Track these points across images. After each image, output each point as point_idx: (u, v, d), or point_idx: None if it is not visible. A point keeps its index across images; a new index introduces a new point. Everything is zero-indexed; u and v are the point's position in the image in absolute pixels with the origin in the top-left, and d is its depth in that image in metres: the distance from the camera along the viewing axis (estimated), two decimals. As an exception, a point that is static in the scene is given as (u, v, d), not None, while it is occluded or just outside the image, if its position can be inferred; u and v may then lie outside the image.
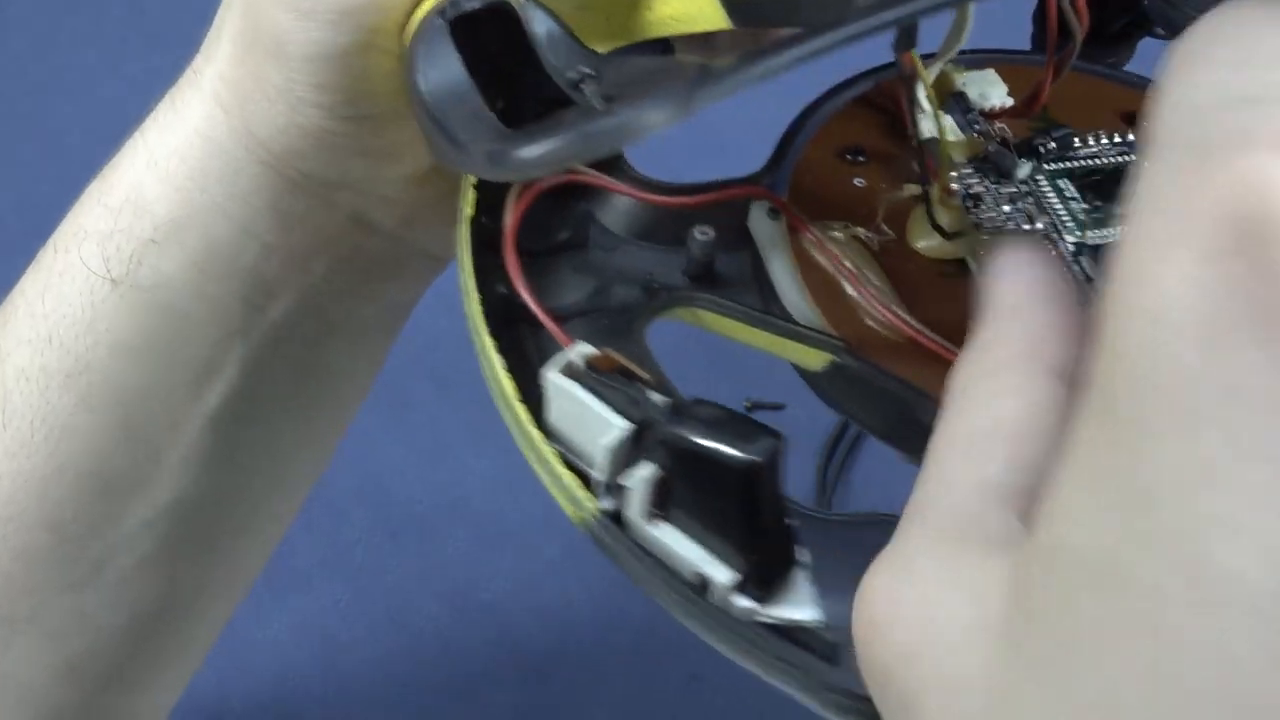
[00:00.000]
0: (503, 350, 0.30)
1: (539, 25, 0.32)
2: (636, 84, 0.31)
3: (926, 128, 0.36)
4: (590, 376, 0.28)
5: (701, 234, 0.34)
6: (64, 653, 0.40)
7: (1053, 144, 0.37)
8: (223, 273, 0.37)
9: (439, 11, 0.31)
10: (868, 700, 0.23)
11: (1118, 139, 0.37)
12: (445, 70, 0.30)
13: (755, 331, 0.33)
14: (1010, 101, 0.38)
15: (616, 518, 0.28)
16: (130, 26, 0.96)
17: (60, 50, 0.96)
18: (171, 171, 0.36)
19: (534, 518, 0.72)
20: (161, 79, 0.43)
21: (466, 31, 0.31)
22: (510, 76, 0.32)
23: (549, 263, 0.34)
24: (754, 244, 0.35)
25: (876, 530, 0.25)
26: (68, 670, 0.40)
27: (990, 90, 0.38)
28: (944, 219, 0.35)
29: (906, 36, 0.32)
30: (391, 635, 0.69)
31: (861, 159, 0.37)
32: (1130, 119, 0.38)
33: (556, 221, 0.35)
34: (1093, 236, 0.34)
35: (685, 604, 0.28)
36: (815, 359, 0.33)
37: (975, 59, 0.40)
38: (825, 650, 0.27)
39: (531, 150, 0.25)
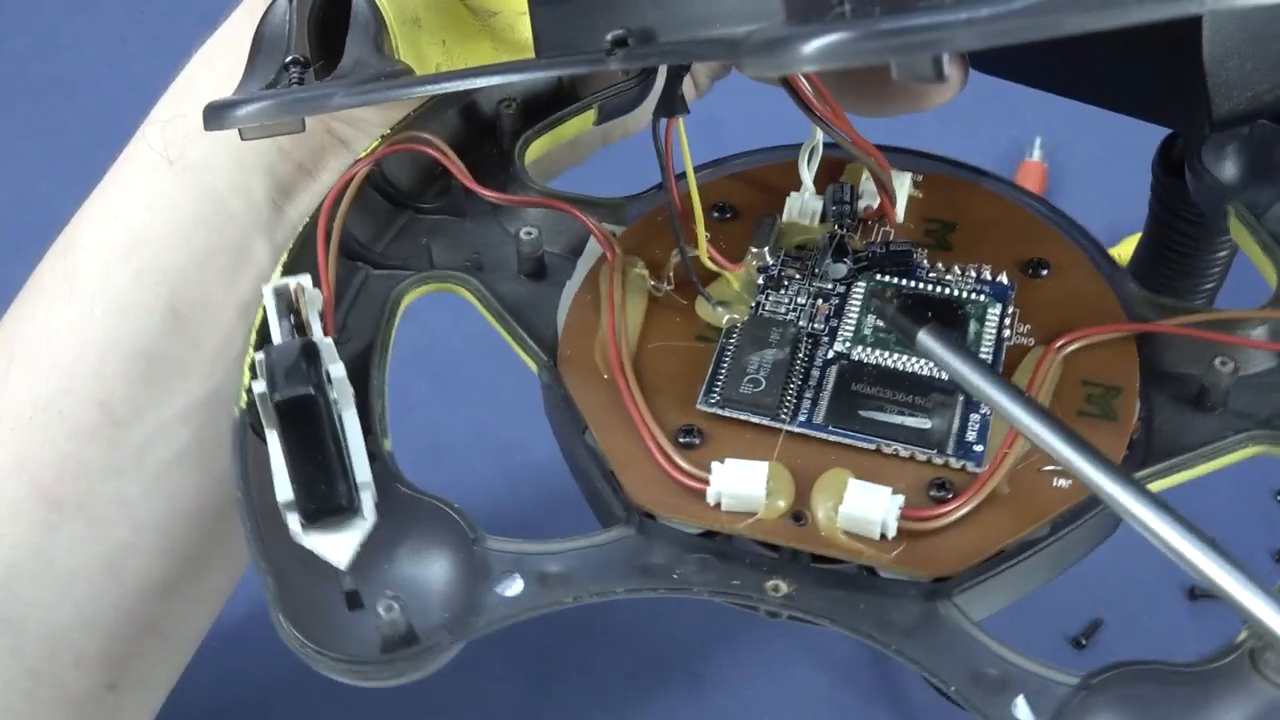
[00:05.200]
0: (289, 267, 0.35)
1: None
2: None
3: (790, 203, 0.39)
4: (282, 298, 0.33)
5: (526, 233, 0.37)
6: (106, 544, 0.43)
7: (885, 256, 0.37)
8: (251, 165, 0.42)
9: None
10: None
11: (970, 274, 0.37)
12: None
13: (496, 324, 0.37)
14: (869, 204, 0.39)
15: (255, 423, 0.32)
16: (130, 26, 0.95)
17: (60, 50, 0.96)
18: (219, 69, 0.41)
19: (534, 518, 0.72)
20: (161, 79, 0.43)
21: None
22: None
23: (417, 216, 0.39)
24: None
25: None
26: (108, 564, 0.43)
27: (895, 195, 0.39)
28: (720, 287, 0.37)
29: (666, 104, 0.33)
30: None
31: (729, 216, 0.39)
32: (1028, 265, 0.37)
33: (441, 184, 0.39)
34: (860, 353, 0.35)
35: (247, 503, 0.32)
36: (532, 365, 0.36)
37: (915, 163, 0.41)
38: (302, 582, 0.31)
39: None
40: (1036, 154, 0.85)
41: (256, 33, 0.37)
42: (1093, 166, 0.85)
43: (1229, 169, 0.37)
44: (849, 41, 0.22)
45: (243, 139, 0.37)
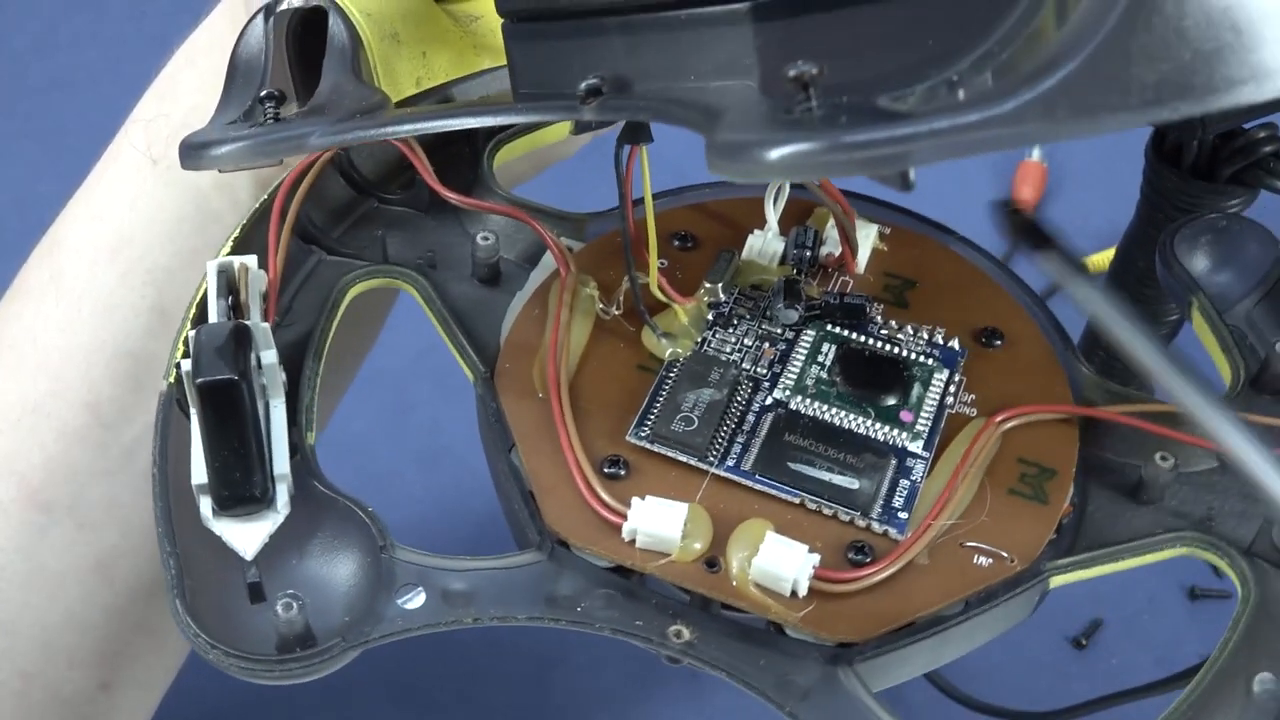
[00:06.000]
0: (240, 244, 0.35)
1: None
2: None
3: (752, 241, 0.38)
4: (224, 276, 0.32)
5: (483, 238, 0.37)
6: (96, 546, 0.43)
7: (838, 307, 0.37)
8: None
9: None
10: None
11: (923, 335, 0.37)
12: None
13: (439, 328, 0.37)
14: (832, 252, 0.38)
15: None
16: (130, 26, 0.96)
17: (60, 50, 0.96)
18: (200, 67, 0.41)
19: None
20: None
21: None
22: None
23: (380, 205, 0.39)
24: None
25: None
26: (98, 565, 0.43)
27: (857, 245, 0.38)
28: (668, 319, 0.36)
29: (631, 132, 0.33)
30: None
31: (689, 246, 0.39)
32: (982, 334, 0.37)
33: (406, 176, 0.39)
34: (799, 403, 0.35)
35: (161, 480, 0.32)
36: (469, 374, 0.36)
37: (885, 215, 0.40)
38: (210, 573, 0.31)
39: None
40: (1036, 154, 0.85)
41: (232, 56, 0.37)
42: (1092, 166, 0.84)
43: (1200, 261, 0.37)
44: (814, 153, 0.22)
45: (219, 172, 0.36)
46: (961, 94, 0.21)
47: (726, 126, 0.23)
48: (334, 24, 0.36)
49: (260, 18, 0.37)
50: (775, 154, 0.21)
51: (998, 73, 0.21)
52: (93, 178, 0.44)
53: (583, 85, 0.29)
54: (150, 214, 0.42)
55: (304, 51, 0.37)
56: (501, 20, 0.32)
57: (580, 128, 0.40)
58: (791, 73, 0.22)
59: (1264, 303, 0.36)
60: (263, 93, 0.35)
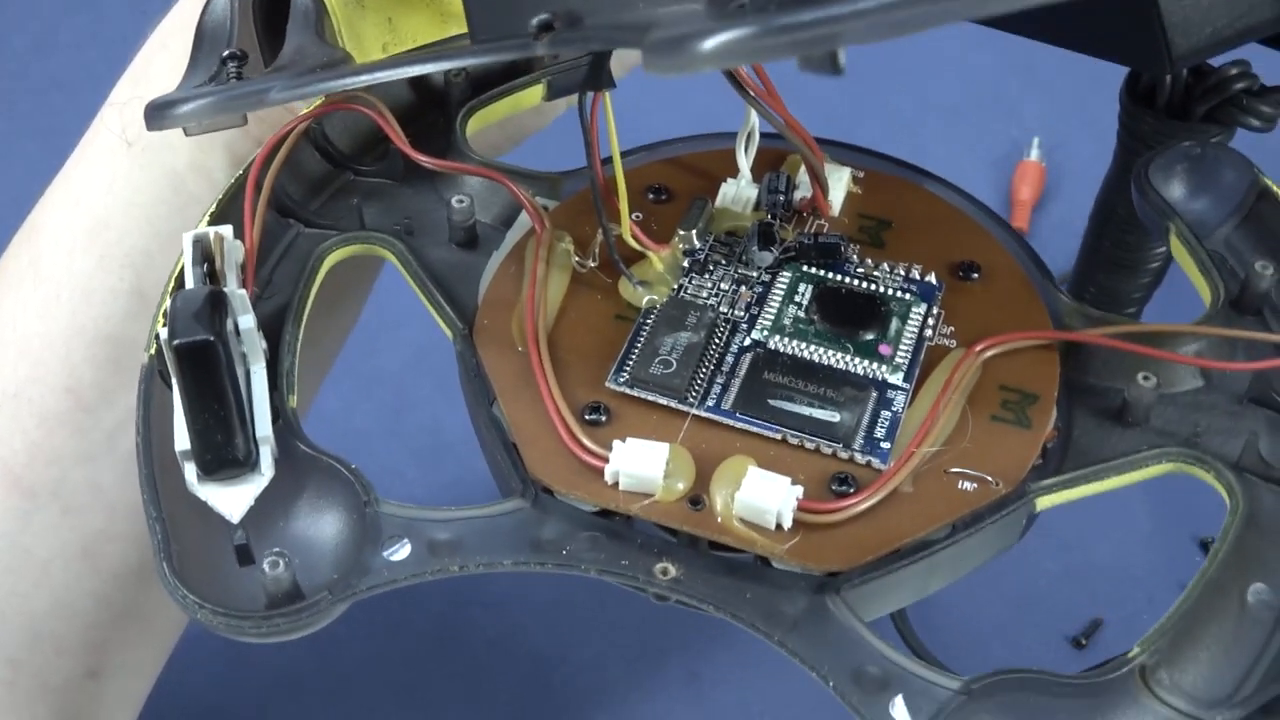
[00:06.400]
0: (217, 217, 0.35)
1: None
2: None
3: (725, 189, 0.38)
4: (200, 246, 0.33)
5: (458, 200, 0.37)
6: (81, 531, 0.43)
7: (813, 247, 0.37)
8: (210, 143, 0.42)
9: None
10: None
11: (899, 271, 0.37)
12: None
13: (418, 290, 0.36)
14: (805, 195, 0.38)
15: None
16: (130, 26, 0.95)
17: (60, 50, 0.96)
18: (172, 49, 0.41)
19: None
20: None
21: None
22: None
23: (355, 178, 0.39)
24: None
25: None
26: (84, 551, 0.43)
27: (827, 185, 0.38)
28: (644, 267, 0.36)
29: (593, 76, 0.33)
30: (391, 634, 0.68)
31: (664, 198, 0.39)
32: (959, 268, 0.37)
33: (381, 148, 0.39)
34: (777, 342, 0.35)
35: (145, 448, 0.32)
36: (449, 333, 0.36)
37: (860, 159, 0.40)
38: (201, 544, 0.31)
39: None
40: (1035, 154, 0.84)
41: (198, 26, 0.37)
42: (1091, 166, 0.83)
43: (1176, 189, 0.37)
44: (745, 39, 0.22)
45: (186, 135, 0.36)
46: None
47: (662, 29, 0.23)
48: None
49: None
50: (708, 43, 0.21)
51: None
52: (70, 162, 0.45)
53: (534, 21, 0.29)
54: (127, 197, 0.42)
55: (271, 23, 0.37)
56: None
57: (553, 93, 0.41)
58: None
59: (1242, 226, 0.36)
60: (225, 53, 0.35)
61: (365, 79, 0.33)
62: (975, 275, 0.36)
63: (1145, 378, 0.33)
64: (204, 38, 0.37)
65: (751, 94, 0.35)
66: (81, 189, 0.43)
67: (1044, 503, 0.32)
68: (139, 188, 0.42)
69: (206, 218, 0.35)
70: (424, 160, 0.37)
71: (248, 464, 0.31)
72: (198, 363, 0.30)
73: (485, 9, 0.32)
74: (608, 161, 0.35)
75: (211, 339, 0.30)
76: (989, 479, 0.32)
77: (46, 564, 0.43)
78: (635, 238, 0.36)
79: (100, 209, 0.43)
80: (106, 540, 0.43)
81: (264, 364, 0.33)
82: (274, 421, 0.32)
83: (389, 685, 0.67)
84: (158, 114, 0.34)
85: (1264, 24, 0.39)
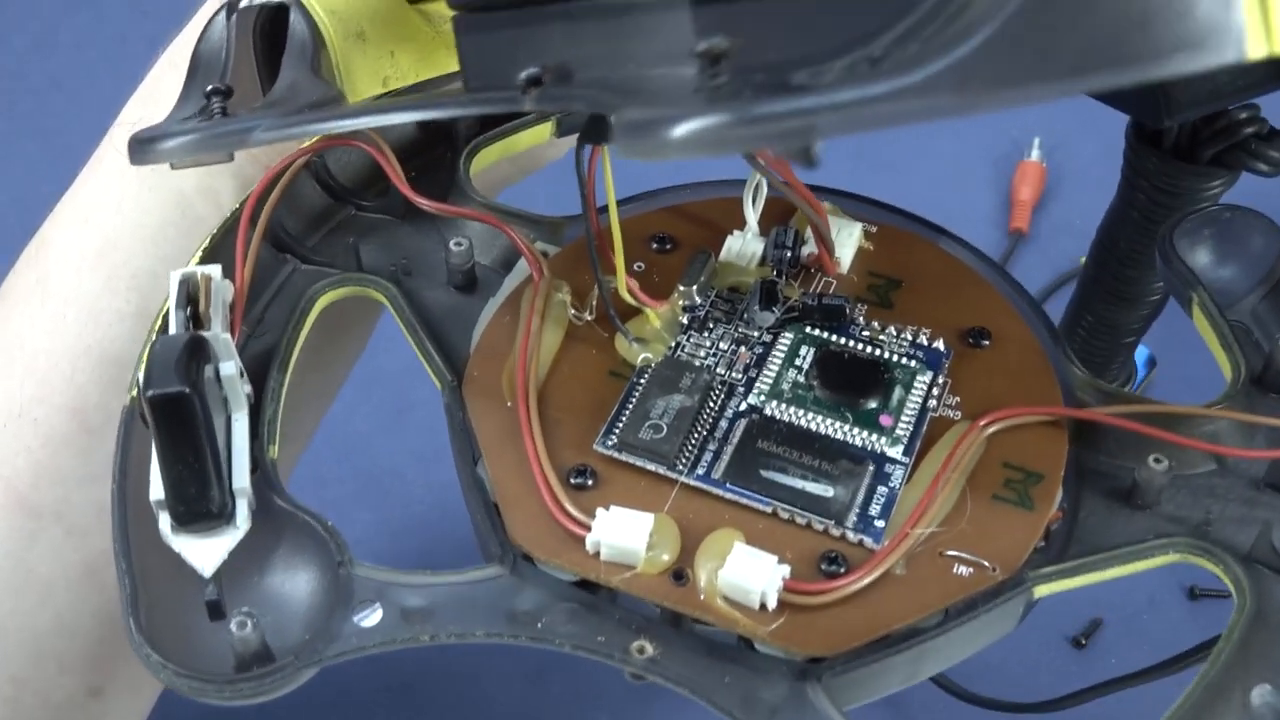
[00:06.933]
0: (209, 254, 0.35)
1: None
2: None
3: (730, 242, 0.37)
4: (185, 287, 0.32)
5: (456, 244, 0.36)
6: (84, 551, 0.42)
7: (817, 308, 0.35)
8: (218, 168, 0.41)
9: None
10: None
11: (906, 336, 0.35)
12: None
13: (408, 336, 0.36)
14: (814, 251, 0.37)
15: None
16: (130, 26, 0.96)
17: (60, 50, 0.96)
18: (182, 69, 0.40)
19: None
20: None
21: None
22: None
23: (356, 213, 0.38)
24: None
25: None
26: (87, 571, 0.43)
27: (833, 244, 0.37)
28: (640, 324, 0.35)
29: (591, 131, 0.32)
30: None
31: (668, 248, 0.38)
32: (969, 334, 0.35)
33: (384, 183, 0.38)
34: (775, 408, 0.33)
35: (119, 495, 0.31)
36: (437, 383, 0.35)
37: (872, 213, 0.39)
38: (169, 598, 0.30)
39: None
40: (1035, 154, 0.83)
41: (194, 53, 0.37)
42: (1091, 167, 0.83)
43: (1201, 255, 0.35)
44: (717, 129, 0.21)
45: (172, 170, 0.36)
46: (879, 69, 0.20)
47: (635, 106, 0.22)
48: (295, 20, 0.36)
49: (223, 15, 0.36)
50: (678, 131, 0.20)
51: (919, 47, 0.20)
52: (80, 180, 0.44)
53: (523, 75, 0.28)
54: (135, 218, 0.42)
55: (272, 51, 0.36)
56: (453, 14, 0.31)
57: (564, 130, 0.40)
58: (701, 47, 0.21)
59: (1269, 297, 0.35)
60: (209, 87, 0.35)
61: (350, 124, 0.32)
62: (986, 342, 0.35)
63: (1157, 460, 0.31)
64: (198, 66, 0.36)
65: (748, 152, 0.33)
66: (90, 208, 0.43)
67: (1041, 591, 0.31)
68: (147, 209, 0.42)
69: (199, 254, 0.35)
70: (422, 203, 0.36)
71: (223, 516, 0.30)
72: (171, 414, 0.29)
73: (479, 56, 0.32)
74: (606, 211, 0.34)
75: (187, 390, 0.29)
76: (986, 564, 0.30)
77: (50, 583, 0.43)
78: (631, 292, 0.35)
79: (109, 229, 0.42)
80: (109, 560, 0.42)
81: (246, 411, 0.32)
82: (252, 472, 0.31)
83: (387, 686, 0.67)
84: (140, 148, 0.33)
85: (1264, 81, 0.38)
